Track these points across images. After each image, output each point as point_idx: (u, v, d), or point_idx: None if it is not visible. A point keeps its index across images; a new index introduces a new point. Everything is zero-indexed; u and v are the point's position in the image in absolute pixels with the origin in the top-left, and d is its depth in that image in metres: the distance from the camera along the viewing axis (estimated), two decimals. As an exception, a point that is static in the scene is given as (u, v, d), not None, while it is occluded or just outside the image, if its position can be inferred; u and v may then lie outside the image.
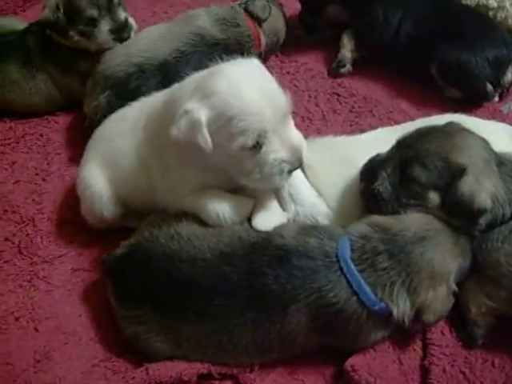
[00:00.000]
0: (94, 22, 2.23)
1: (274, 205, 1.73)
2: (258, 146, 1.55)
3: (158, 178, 1.75)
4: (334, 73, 2.54)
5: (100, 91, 2.16)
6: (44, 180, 2.22)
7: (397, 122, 2.19)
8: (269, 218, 1.68)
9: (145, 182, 1.78)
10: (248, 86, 1.53)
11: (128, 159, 1.80)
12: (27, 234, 2.04)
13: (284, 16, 2.58)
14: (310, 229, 1.63)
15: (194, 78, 1.66)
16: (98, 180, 1.86)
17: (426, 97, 2.41)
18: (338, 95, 2.44)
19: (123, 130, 1.85)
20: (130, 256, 1.68)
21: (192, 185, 1.69)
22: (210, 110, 1.52)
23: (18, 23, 2.51)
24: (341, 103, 2.41)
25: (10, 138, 2.36)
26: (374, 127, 2.08)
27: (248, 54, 1.93)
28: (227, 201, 1.67)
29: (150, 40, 2.22)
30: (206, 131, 1.52)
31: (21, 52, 2.35)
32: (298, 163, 1.63)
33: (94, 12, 2.22)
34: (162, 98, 1.76)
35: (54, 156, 2.30)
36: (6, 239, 2.03)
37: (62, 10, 2.20)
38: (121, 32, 2.26)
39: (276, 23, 2.51)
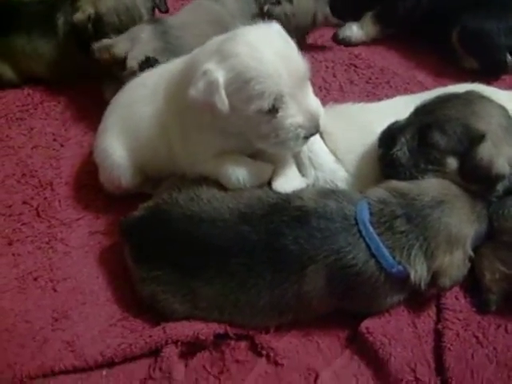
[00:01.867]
0: None
1: (293, 170, 1.74)
2: (274, 110, 1.55)
3: (177, 143, 1.75)
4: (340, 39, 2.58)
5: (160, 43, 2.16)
6: (62, 146, 2.24)
7: (413, 93, 2.16)
8: (288, 183, 1.69)
9: (164, 148, 1.79)
10: (267, 50, 1.53)
11: (147, 125, 1.80)
12: (45, 198, 2.06)
13: None
14: (329, 192, 1.64)
15: (214, 42, 1.65)
16: (116, 149, 1.87)
17: (442, 69, 2.42)
18: (356, 66, 2.46)
19: (143, 95, 1.84)
20: (149, 218, 1.69)
21: (211, 150, 1.70)
22: (228, 72, 1.52)
23: None
24: (358, 74, 2.42)
25: (28, 105, 2.38)
26: (390, 98, 2.08)
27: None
28: (247, 165, 1.68)
29: None
30: (223, 92, 1.52)
31: (48, 26, 2.35)
32: (314, 129, 1.62)
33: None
34: (182, 63, 1.76)
35: (72, 122, 2.32)
36: (25, 202, 2.06)
37: (91, 23, 2.20)
38: None
39: (302, 7, 2.43)
